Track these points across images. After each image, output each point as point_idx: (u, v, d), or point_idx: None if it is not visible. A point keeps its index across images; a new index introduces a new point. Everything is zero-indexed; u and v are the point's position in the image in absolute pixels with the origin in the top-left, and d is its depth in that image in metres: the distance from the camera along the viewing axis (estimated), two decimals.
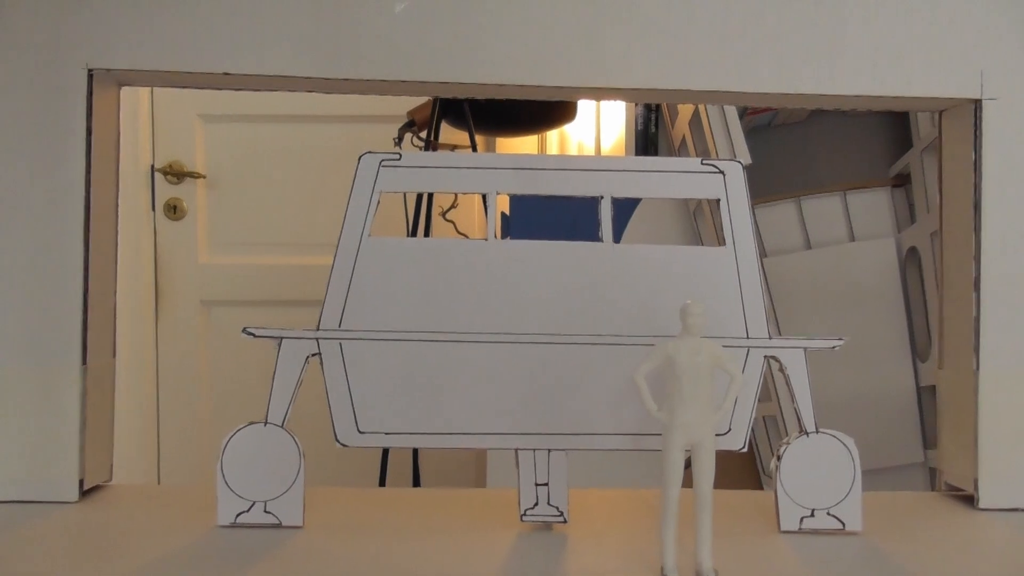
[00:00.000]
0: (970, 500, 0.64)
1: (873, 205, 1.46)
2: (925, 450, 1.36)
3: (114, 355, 0.67)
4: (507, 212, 1.74)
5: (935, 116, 0.69)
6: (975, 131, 0.64)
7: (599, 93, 0.64)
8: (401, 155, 0.59)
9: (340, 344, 0.58)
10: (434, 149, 1.82)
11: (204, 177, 2.01)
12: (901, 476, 1.34)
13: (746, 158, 1.39)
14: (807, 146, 1.57)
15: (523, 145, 2.07)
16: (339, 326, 0.58)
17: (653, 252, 0.60)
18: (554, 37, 0.63)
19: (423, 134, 1.79)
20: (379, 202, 0.59)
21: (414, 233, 1.77)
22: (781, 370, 0.58)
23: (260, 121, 1.99)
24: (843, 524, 0.57)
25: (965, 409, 0.64)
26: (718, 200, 0.59)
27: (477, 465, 1.79)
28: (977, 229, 0.63)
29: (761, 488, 1.38)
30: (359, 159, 0.60)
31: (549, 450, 0.57)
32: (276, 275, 2.02)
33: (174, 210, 2.01)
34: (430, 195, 1.80)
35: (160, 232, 2.02)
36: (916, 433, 1.39)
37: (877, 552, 0.54)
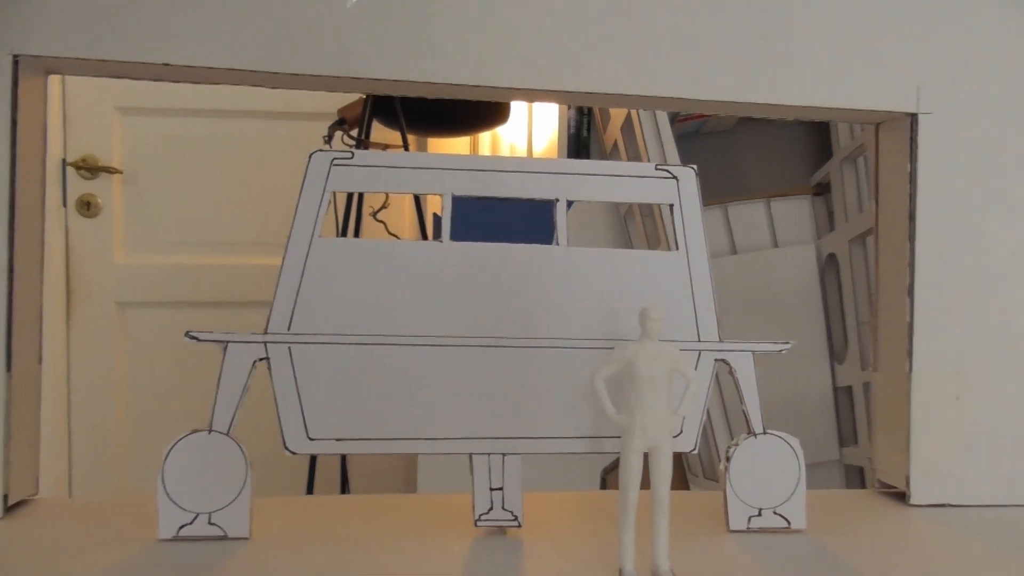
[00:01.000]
0: (902, 496, 0.67)
1: (795, 212, 1.52)
2: (841, 448, 1.42)
3: (40, 361, 0.64)
4: (438, 212, 1.73)
5: (874, 128, 0.72)
6: (911, 144, 0.66)
7: (555, 96, 0.64)
8: (354, 153, 0.58)
9: (289, 348, 0.56)
10: (365, 148, 1.79)
11: (121, 172, 1.93)
12: (818, 473, 1.39)
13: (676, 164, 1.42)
14: (734, 154, 1.61)
15: (455, 146, 2.07)
16: (288, 329, 0.56)
17: (606, 256, 0.60)
18: (506, 38, 0.63)
19: (354, 132, 1.76)
20: (330, 202, 0.58)
21: (344, 233, 1.74)
22: (730, 373, 0.59)
23: (182, 115, 1.92)
24: (788, 522, 0.58)
25: (898, 410, 0.67)
26: (671, 205, 0.60)
27: (406, 470, 1.77)
28: (912, 238, 0.66)
29: (687, 487, 1.41)
30: (309, 157, 0.58)
31: (504, 454, 0.57)
32: (196, 276, 1.96)
33: (87, 207, 1.92)
34: (360, 194, 1.78)
35: (72, 230, 1.93)
36: (832, 432, 1.45)
37: (820, 549, 0.56)
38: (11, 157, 0.59)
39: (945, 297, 0.66)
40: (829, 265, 1.45)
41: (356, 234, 1.74)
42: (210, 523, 0.55)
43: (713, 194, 1.50)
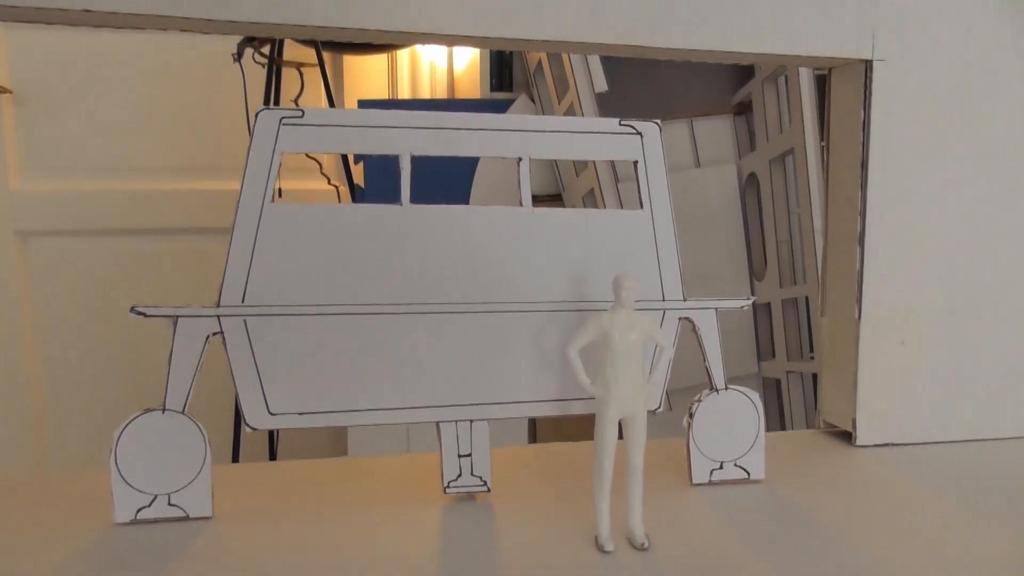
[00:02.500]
0: (847, 436, 0.70)
1: (717, 132, 1.53)
2: (759, 362, 1.48)
3: None
4: (361, 185, 1.68)
5: (826, 73, 0.71)
6: (865, 91, 0.66)
7: (492, 42, 0.61)
8: (304, 112, 0.54)
9: (245, 321, 0.54)
10: (278, 67, 1.70)
11: (10, 92, 1.79)
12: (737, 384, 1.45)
13: (602, 85, 1.40)
14: (657, 74, 1.60)
15: (372, 63, 1.98)
16: (242, 301, 0.54)
17: (570, 216, 0.58)
18: None
19: (265, 50, 1.66)
20: (280, 164, 0.54)
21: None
22: (694, 330, 0.59)
23: (76, 28, 1.78)
24: (748, 473, 0.60)
25: (845, 354, 0.69)
26: (635, 162, 0.59)
27: (335, 433, 1.75)
28: (863, 186, 0.67)
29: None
30: (256, 116, 0.54)
31: (471, 421, 0.57)
32: (100, 202, 1.85)
33: None
34: (277, 88, 1.70)
35: None
36: (751, 346, 1.50)
37: (780, 497, 0.58)
38: None
39: (894, 246, 0.67)
40: (750, 184, 1.48)
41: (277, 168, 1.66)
42: (170, 504, 0.53)
43: (639, 114, 1.49)
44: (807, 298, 1.34)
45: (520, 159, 0.57)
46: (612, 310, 0.50)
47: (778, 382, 1.45)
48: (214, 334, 0.53)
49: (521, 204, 0.57)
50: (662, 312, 0.59)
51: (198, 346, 0.53)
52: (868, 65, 0.66)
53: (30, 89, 1.80)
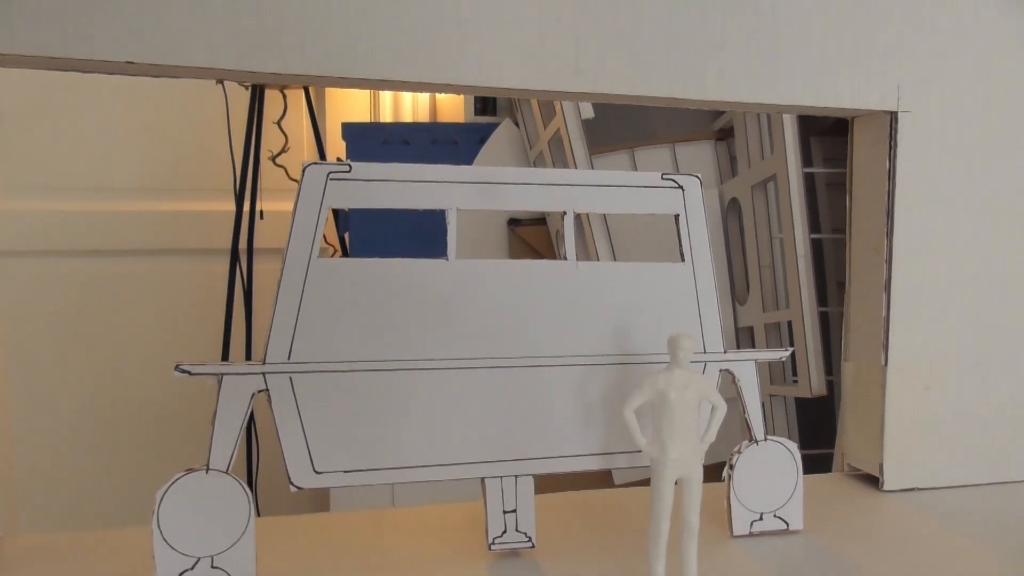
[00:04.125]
0: (871, 480, 0.70)
1: (698, 157, 1.54)
2: (761, 398, 1.49)
3: None
4: (341, 157, 1.67)
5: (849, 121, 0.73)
6: (891, 142, 0.67)
7: (511, 92, 0.61)
8: (351, 167, 0.54)
9: (291, 378, 0.53)
10: (261, 89, 1.68)
11: None
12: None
13: (588, 112, 1.41)
14: None
15: (352, 94, 1.97)
16: (288, 358, 0.53)
17: (615, 269, 0.59)
18: (501, 36, 0.59)
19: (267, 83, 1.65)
20: (327, 219, 0.54)
21: (242, 180, 1.64)
22: (734, 382, 0.60)
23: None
24: (787, 524, 0.60)
25: (870, 399, 0.70)
26: (676, 216, 0.59)
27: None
28: (889, 234, 0.68)
29: (613, 484, 1.45)
30: (303, 170, 0.53)
31: (516, 476, 0.56)
32: (76, 223, 1.82)
33: None
34: (258, 137, 1.68)
35: None
36: None
37: (818, 548, 0.58)
38: None
39: (919, 292, 0.68)
40: (732, 209, 1.49)
41: (254, 179, 1.65)
42: (213, 567, 0.52)
43: (621, 139, 1.51)
44: (790, 323, 1.36)
45: (565, 213, 0.57)
46: (667, 369, 0.50)
47: (762, 405, 1.46)
48: (259, 391, 0.52)
49: (565, 257, 0.57)
50: (703, 364, 0.59)
51: (243, 404, 0.52)
52: (893, 116, 0.67)
53: (8, 109, 1.76)
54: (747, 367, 0.60)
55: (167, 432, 1.81)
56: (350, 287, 0.54)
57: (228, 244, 1.61)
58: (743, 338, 1.49)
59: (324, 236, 1.82)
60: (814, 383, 1.21)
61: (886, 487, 0.69)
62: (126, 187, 1.86)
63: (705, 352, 0.59)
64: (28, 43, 0.51)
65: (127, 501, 1.66)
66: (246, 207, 1.62)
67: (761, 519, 0.60)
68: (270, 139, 1.72)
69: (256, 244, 1.70)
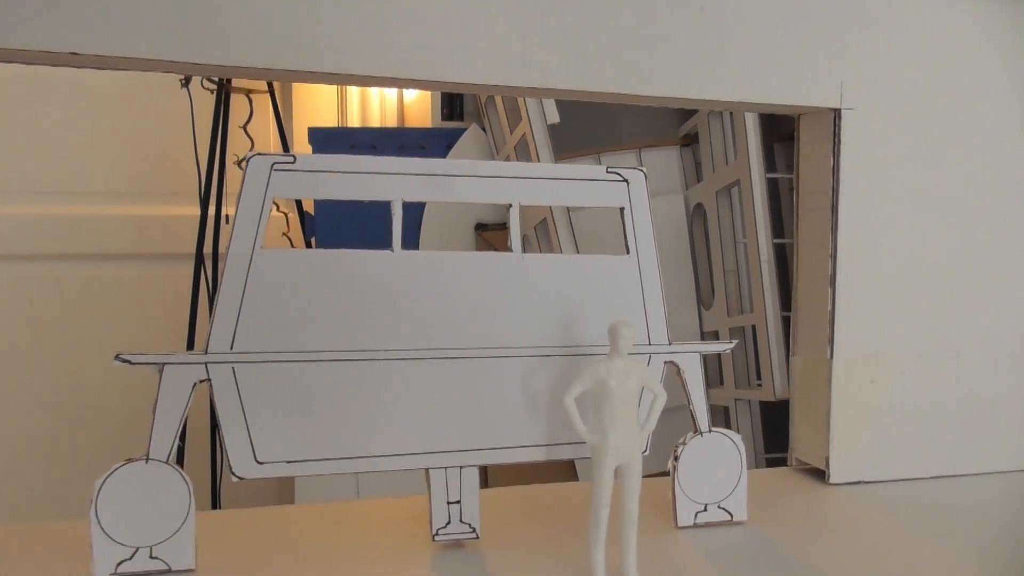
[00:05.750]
0: (819, 474, 0.71)
1: (664, 162, 1.55)
2: (707, 390, 1.50)
3: None
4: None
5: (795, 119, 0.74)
6: (834, 138, 0.69)
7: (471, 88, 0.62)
8: (296, 158, 0.54)
9: (233, 368, 0.53)
10: (227, 92, 1.68)
11: None
12: (685, 414, 1.47)
13: (554, 116, 1.42)
14: (608, 106, 1.63)
15: (321, 91, 1.97)
16: (231, 348, 0.53)
17: (560, 261, 0.59)
18: (452, 31, 0.59)
19: (215, 76, 1.64)
20: (271, 210, 0.54)
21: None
22: (679, 374, 0.60)
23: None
24: (731, 515, 0.61)
25: (817, 393, 0.71)
26: (622, 208, 0.60)
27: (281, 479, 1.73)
28: (834, 229, 0.69)
29: (577, 479, 1.46)
30: (247, 161, 0.53)
31: (461, 467, 0.56)
32: (44, 226, 1.80)
33: None
34: (223, 141, 1.68)
35: None
36: None
37: (762, 539, 0.59)
38: None
39: (864, 287, 0.69)
40: (697, 214, 1.51)
41: (220, 183, 1.64)
42: (151, 557, 0.52)
43: (588, 143, 1.52)
44: (754, 327, 1.37)
45: (510, 205, 0.57)
46: (608, 358, 0.50)
47: (726, 409, 1.47)
48: (201, 381, 0.52)
49: (511, 249, 0.58)
50: (648, 356, 0.60)
51: (184, 394, 0.52)
52: (837, 113, 0.69)
53: None
54: (692, 359, 0.60)
55: (132, 433, 1.79)
56: (294, 277, 0.54)
57: (193, 248, 1.60)
58: (708, 340, 1.50)
59: (290, 240, 1.83)
60: (778, 386, 1.22)
61: (832, 480, 0.70)
62: (92, 191, 1.84)
63: (650, 344, 0.60)
64: None
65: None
66: (211, 211, 1.61)
67: (705, 510, 0.61)
68: (236, 143, 1.71)
69: (221, 248, 1.69)
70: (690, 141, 1.54)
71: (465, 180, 0.57)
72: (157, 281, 1.86)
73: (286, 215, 1.76)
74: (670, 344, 0.60)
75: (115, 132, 1.83)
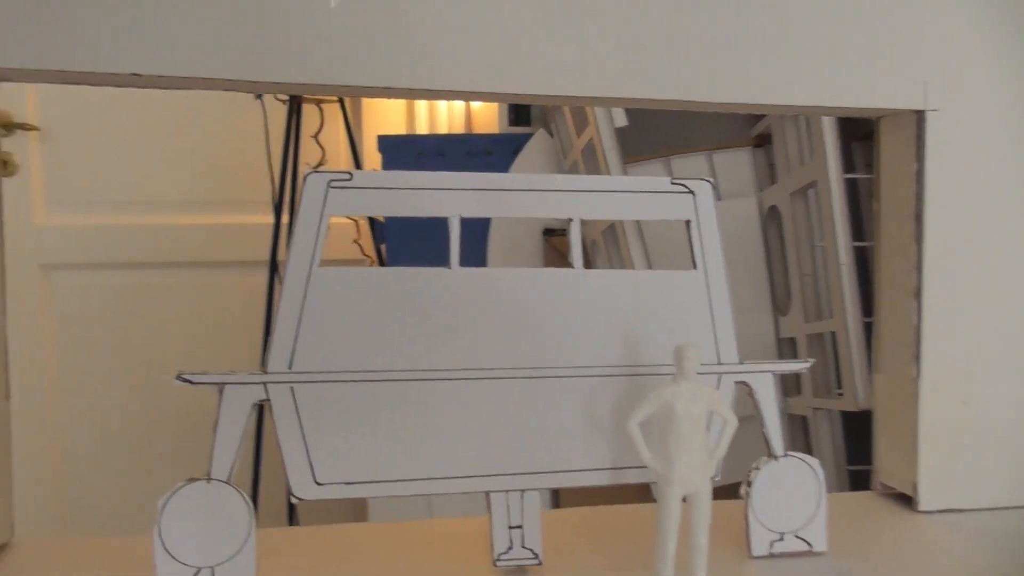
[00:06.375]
0: (906, 499, 0.67)
1: (736, 164, 1.51)
2: (784, 398, 1.45)
3: (8, 396, 0.58)
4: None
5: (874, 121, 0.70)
6: (918, 142, 0.65)
7: (539, 98, 0.60)
8: (352, 175, 0.53)
9: (292, 388, 0.52)
10: (299, 103, 1.70)
11: (37, 129, 1.80)
12: (757, 425, 1.42)
13: (622, 120, 1.39)
14: None
15: (388, 105, 1.98)
16: (289, 368, 0.52)
17: (623, 277, 0.57)
18: (506, 42, 0.58)
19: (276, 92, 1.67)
20: (328, 228, 0.53)
21: (281, 191, 1.66)
22: (751, 394, 0.57)
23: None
24: (810, 545, 0.58)
25: (904, 414, 0.67)
26: (688, 221, 0.57)
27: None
28: (919, 239, 0.65)
29: (651, 498, 1.43)
30: (304, 179, 0.53)
31: (523, 491, 0.55)
32: (122, 236, 1.86)
33: (4, 165, 1.79)
34: (296, 151, 1.70)
35: None
36: (776, 382, 1.47)
37: (842, 571, 0.56)
38: None
39: (953, 300, 0.65)
40: (771, 217, 1.46)
41: (292, 191, 1.66)
42: None
43: (656, 147, 1.49)
44: (833, 333, 1.32)
45: (571, 220, 0.55)
46: (674, 381, 0.48)
47: (804, 419, 1.42)
48: (260, 401, 0.52)
49: (572, 265, 0.56)
50: (718, 376, 0.57)
51: (244, 414, 0.52)
52: (920, 115, 0.64)
53: (56, 126, 1.81)
54: (764, 379, 0.57)
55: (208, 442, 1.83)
56: (352, 296, 0.53)
57: (267, 256, 1.63)
58: (785, 349, 1.45)
59: (361, 247, 1.85)
60: (860, 395, 1.17)
61: (921, 507, 0.65)
62: (169, 201, 1.90)
63: (719, 363, 0.57)
64: (36, 58, 0.52)
65: None
66: (285, 219, 1.64)
67: (782, 539, 0.57)
68: (308, 152, 1.74)
69: None
70: (763, 142, 1.49)
71: (523, 194, 0.55)
72: (233, 288, 1.90)
73: (356, 222, 1.77)
74: (741, 363, 0.57)
75: (192, 144, 1.88)
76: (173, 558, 0.51)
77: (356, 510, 1.67)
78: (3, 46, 0.51)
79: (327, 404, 0.52)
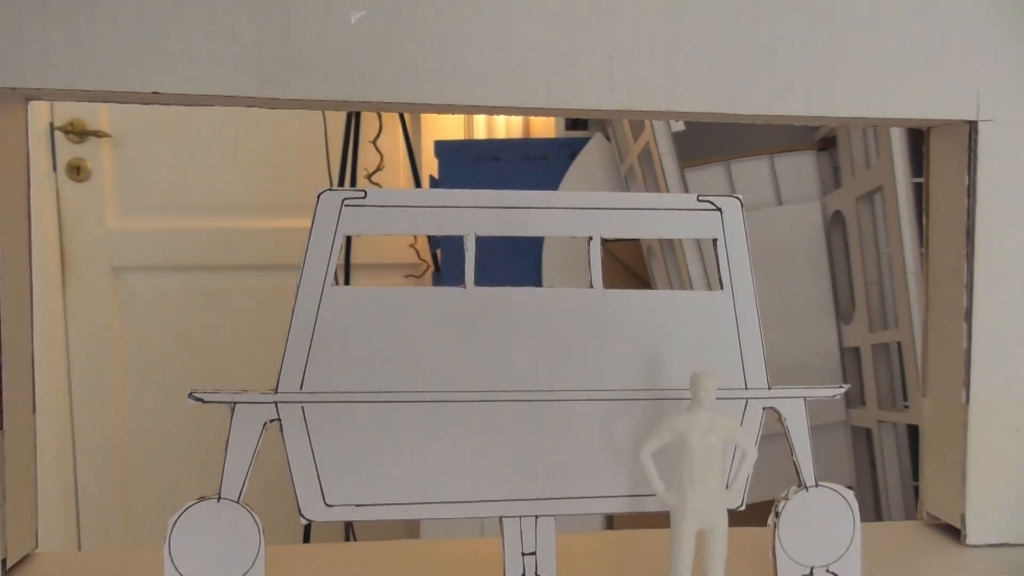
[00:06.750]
0: (952, 531, 0.63)
1: (799, 169, 1.46)
2: (848, 409, 1.39)
3: (34, 410, 0.59)
4: (434, 175, 1.67)
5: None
6: (970, 154, 0.61)
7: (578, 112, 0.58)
8: (366, 193, 0.52)
9: (303, 408, 0.52)
10: (357, 112, 1.72)
11: (109, 136, 1.86)
12: (825, 434, 1.37)
13: (678, 125, 1.36)
14: None
15: (448, 118, 1.98)
16: (300, 388, 0.52)
17: (644, 298, 0.55)
18: (532, 54, 0.56)
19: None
20: (342, 246, 0.53)
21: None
22: (780, 421, 0.55)
23: None
24: None
25: (951, 442, 0.63)
26: (715, 240, 0.55)
27: None
28: (970, 257, 0.61)
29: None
30: (318, 197, 0.52)
31: (536, 516, 0.53)
32: (190, 239, 1.91)
33: (77, 171, 1.86)
34: (355, 156, 1.72)
35: (62, 195, 1.88)
36: None
37: None
38: None
39: (1006, 323, 0.61)
40: (835, 223, 1.41)
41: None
42: None
43: (716, 151, 1.45)
44: (899, 343, 1.27)
45: (590, 238, 0.54)
46: (689, 410, 0.46)
47: (868, 432, 1.37)
48: (271, 421, 0.52)
49: (591, 285, 0.54)
50: (744, 402, 0.54)
51: (255, 433, 0.51)
52: (973, 126, 0.61)
53: (126, 133, 1.88)
54: (795, 405, 0.54)
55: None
56: (364, 316, 0.52)
57: None
58: (849, 359, 1.40)
59: (417, 251, 1.86)
60: None
61: (969, 541, 0.61)
62: (233, 205, 1.94)
63: (747, 388, 0.54)
64: (61, 78, 0.53)
65: None
66: None
67: (811, 574, 0.55)
68: (366, 157, 1.76)
69: (353, 260, 1.74)
70: (827, 145, 1.44)
71: (542, 212, 0.53)
72: (293, 290, 1.93)
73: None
74: (770, 388, 0.55)
75: (254, 149, 1.92)
76: None
77: (409, 526, 1.68)
78: (32, 67, 0.52)
79: (338, 425, 0.52)
